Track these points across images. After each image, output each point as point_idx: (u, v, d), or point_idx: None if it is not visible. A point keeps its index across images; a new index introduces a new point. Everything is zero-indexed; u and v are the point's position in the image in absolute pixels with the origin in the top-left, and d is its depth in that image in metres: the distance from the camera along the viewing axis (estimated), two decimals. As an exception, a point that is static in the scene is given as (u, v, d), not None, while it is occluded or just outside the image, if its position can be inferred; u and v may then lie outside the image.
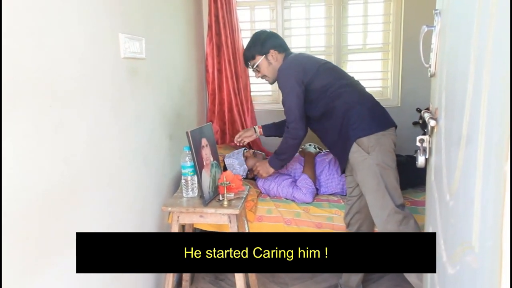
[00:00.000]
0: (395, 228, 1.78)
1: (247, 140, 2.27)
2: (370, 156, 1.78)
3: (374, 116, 1.83)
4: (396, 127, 1.88)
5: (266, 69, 2.05)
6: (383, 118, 1.86)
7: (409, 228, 1.78)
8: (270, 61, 2.03)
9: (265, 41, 2.03)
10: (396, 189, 1.81)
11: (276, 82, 2.08)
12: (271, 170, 2.12)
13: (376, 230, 2.01)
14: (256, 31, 2.14)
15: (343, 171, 1.99)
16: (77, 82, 1.22)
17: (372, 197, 1.81)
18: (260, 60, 2.04)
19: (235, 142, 2.27)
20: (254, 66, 2.07)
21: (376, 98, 1.94)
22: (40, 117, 1.05)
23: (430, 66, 1.11)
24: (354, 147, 1.80)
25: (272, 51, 2.02)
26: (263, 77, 2.10)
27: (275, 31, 2.60)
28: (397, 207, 1.78)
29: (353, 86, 1.92)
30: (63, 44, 1.15)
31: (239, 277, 1.70)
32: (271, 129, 2.28)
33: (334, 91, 1.87)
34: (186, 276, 2.08)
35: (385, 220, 1.79)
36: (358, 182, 1.86)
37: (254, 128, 2.28)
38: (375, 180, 1.78)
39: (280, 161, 2.08)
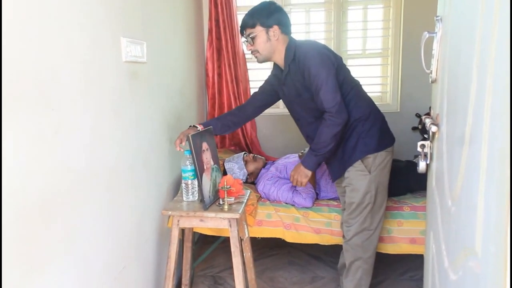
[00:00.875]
0: (360, 242, 1.87)
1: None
2: (370, 175, 1.80)
3: (382, 133, 1.83)
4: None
5: (262, 44, 1.76)
6: (389, 135, 1.88)
7: (372, 243, 1.88)
8: (269, 37, 1.75)
9: (272, 14, 1.75)
10: (379, 209, 1.86)
11: (264, 61, 1.86)
12: (309, 172, 1.86)
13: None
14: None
15: (335, 179, 1.96)
16: (79, 85, 1.23)
17: (357, 211, 1.85)
18: (259, 32, 1.75)
19: (177, 147, 1.83)
20: (250, 36, 1.77)
21: (375, 103, 1.93)
22: (41, 119, 1.05)
23: (431, 72, 1.11)
24: (358, 163, 1.80)
25: (276, 27, 1.74)
26: (253, 51, 1.81)
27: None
28: (371, 226, 1.86)
29: (363, 94, 1.88)
30: (65, 47, 1.15)
31: (238, 282, 1.70)
32: (216, 128, 1.96)
33: (349, 97, 1.79)
34: (185, 280, 2.07)
35: (357, 233, 1.87)
36: (349, 192, 1.87)
37: (196, 126, 1.92)
38: (367, 199, 1.82)
39: (319, 157, 1.80)
